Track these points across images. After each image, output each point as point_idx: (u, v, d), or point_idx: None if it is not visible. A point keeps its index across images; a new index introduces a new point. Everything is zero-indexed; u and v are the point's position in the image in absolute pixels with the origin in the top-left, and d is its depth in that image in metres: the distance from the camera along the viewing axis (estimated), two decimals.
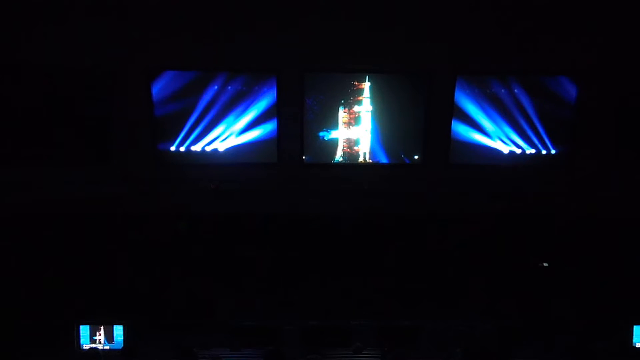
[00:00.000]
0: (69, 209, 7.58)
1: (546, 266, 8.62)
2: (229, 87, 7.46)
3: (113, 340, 6.29)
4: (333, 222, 8.34)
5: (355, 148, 7.77)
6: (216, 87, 7.44)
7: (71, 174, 7.24)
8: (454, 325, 7.27)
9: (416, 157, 7.78)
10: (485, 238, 8.49)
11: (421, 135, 7.68)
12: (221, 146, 7.73)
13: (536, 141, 7.74)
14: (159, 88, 7.35)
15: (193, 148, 7.70)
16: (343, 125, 7.65)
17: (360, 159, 7.80)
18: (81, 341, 6.28)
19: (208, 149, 7.72)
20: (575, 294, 8.23)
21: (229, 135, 7.70)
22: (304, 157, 7.75)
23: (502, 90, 7.49)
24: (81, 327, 6.29)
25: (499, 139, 7.75)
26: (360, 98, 7.51)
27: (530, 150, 7.76)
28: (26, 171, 6.93)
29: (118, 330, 6.32)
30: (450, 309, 8.11)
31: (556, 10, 6.86)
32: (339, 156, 7.79)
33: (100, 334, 6.29)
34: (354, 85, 7.46)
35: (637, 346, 6.45)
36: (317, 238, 8.46)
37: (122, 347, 6.18)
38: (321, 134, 7.68)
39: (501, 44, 7.13)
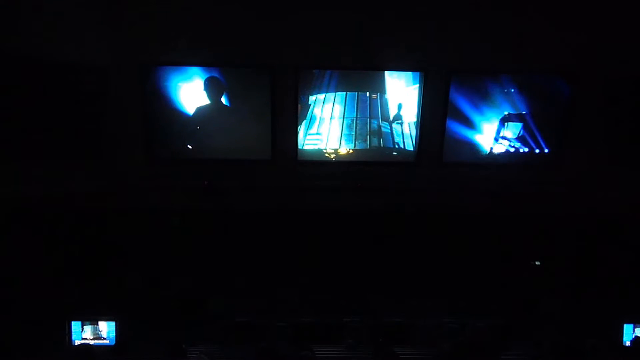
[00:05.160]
0: (61, 205, 7.54)
1: (538, 264, 8.68)
2: (224, 83, 7.44)
3: (105, 336, 6.29)
4: (326, 219, 8.34)
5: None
6: (210, 82, 7.41)
7: (63, 170, 7.20)
8: (445, 322, 7.30)
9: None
10: (477, 236, 8.52)
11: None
12: (215, 142, 7.71)
13: (529, 140, 7.78)
14: (152, 84, 7.32)
15: (186, 144, 7.68)
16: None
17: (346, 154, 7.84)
18: (73, 337, 6.27)
19: (201, 145, 7.70)
20: (566, 292, 8.29)
21: (223, 130, 7.68)
22: (298, 154, 7.76)
23: (496, 89, 7.52)
24: (73, 323, 6.28)
25: (493, 138, 7.78)
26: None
27: (523, 149, 7.80)
28: (18, 167, 6.88)
29: (110, 327, 6.31)
30: (442, 307, 8.14)
31: (550, 10, 6.89)
32: (327, 153, 7.82)
33: (90, 330, 6.28)
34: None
35: (627, 344, 6.50)
36: (310, 235, 8.46)
37: (114, 343, 6.18)
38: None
39: (495, 43, 7.15)
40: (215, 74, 7.37)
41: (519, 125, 7.70)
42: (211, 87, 7.41)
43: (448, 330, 7.02)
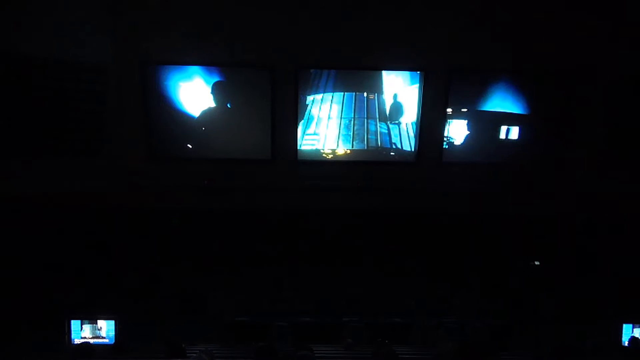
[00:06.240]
0: (60, 203, 7.54)
1: (537, 265, 8.68)
2: (224, 82, 7.44)
3: (104, 335, 6.27)
4: (326, 219, 8.34)
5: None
6: (218, 86, 7.41)
7: (64, 168, 7.20)
8: (445, 322, 7.29)
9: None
10: (477, 236, 8.52)
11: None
12: (215, 142, 7.71)
13: (529, 140, 7.77)
14: (153, 82, 7.32)
15: (186, 143, 7.68)
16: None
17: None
18: (72, 336, 6.25)
19: (201, 144, 7.69)
20: (565, 293, 8.28)
21: (223, 130, 7.67)
22: (297, 154, 7.75)
23: (496, 89, 7.51)
24: (72, 322, 6.27)
25: (492, 138, 7.77)
26: None
27: (523, 149, 7.79)
28: (18, 164, 6.88)
29: (109, 326, 6.30)
30: (442, 307, 8.14)
31: (550, 11, 6.89)
32: (324, 154, 7.80)
33: (89, 329, 6.27)
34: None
35: (626, 345, 6.48)
36: (310, 235, 8.46)
37: (113, 342, 6.17)
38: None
39: (495, 43, 7.15)
40: (217, 75, 7.37)
41: (464, 121, 7.67)
42: (219, 91, 7.41)
43: (448, 330, 7.01)
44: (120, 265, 8.26)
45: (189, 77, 7.36)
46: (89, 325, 6.29)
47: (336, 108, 7.57)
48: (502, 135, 7.71)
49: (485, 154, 7.81)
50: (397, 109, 7.60)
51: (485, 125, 7.69)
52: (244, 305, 8.01)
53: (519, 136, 7.72)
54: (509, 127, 7.68)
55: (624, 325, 6.51)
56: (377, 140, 7.76)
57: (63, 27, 6.60)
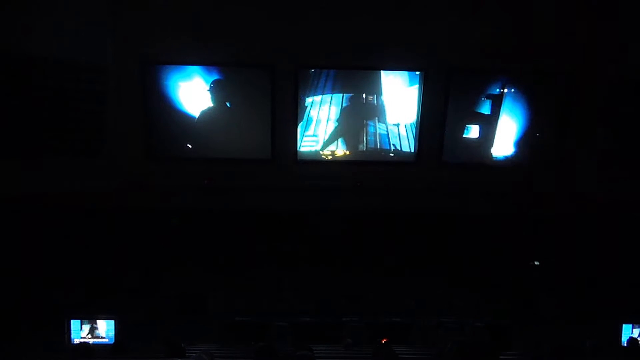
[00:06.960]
0: (60, 203, 7.54)
1: (537, 265, 8.67)
2: (223, 80, 7.43)
3: (103, 335, 6.27)
4: (325, 218, 8.34)
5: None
6: (216, 85, 7.41)
7: (64, 168, 7.21)
8: (445, 322, 7.29)
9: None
10: (477, 236, 8.52)
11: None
12: (215, 142, 7.70)
13: (528, 140, 7.76)
14: (152, 82, 7.32)
15: (186, 143, 7.68)
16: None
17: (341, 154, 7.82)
18: (72, 336, 6.25)
19: (201, 144, 7.69)
20: (565, 293, 8.28)
21: (223, 130, 7.67)
22: (297, 154, 7.75)
23: (496, 89, 7.51)
24: (72, 321, 6.26)
25: (492, 138, 7.76)
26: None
27: (522, 149, 7.78)
28: (18, 164, 6.89)
29: (109, 325, 6.30)
30: (442, 307, 8.13)
31: (550, 11, 6.90)
32: (323, 155, 7.79)
33: (89, 329, 6.27)
34: None
35: (625, 345, 6.48)
36: (309, 234, 8.46)
37: (113, 342, 6.17)
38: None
39: (495, 43, 7.15)
40: (217, 75, 7.37)
41: (464, 122, 7.69)
42: (217, 90, 7.41)
43: (448, 330, 7.00)
44: (120, 265, 8.25)
45: (189, 77, 7.36)
46: (88, 325, 6.29)
47: (335, 110, 7.56)
48: (501, 135, 7.70)
49: (484, 154, 7.80)
50: (394, 110, 7.59)
51: (484, 125, 7.68)
52: (244, 305, 8.01)
53: (518, 136, 7.71)
54: (508, 127, 7.67)
55: (624, 325, 6.52)
56: (375, 141, 7.76)
57: (63, 27, 6.60)
